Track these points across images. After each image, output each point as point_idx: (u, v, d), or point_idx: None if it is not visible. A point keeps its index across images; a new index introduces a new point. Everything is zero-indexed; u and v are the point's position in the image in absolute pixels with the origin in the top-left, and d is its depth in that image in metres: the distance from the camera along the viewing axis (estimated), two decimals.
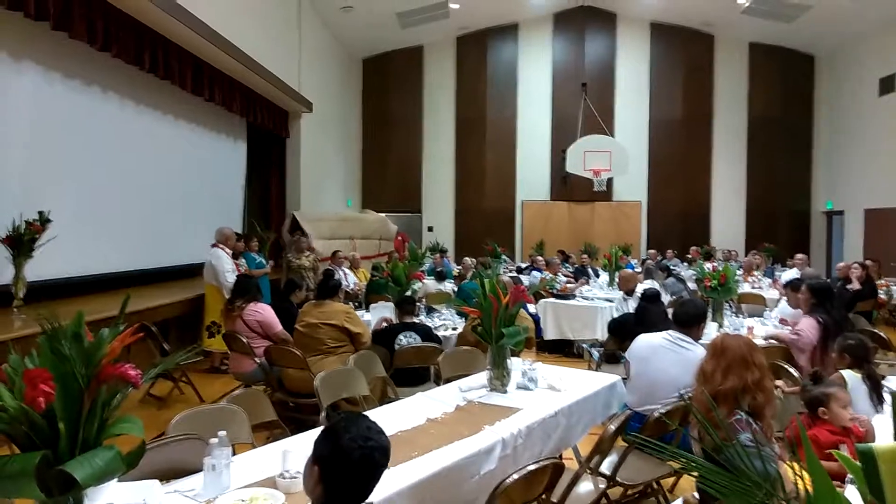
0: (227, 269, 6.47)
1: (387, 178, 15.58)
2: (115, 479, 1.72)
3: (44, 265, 5.25)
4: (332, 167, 13.49)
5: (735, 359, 2.53)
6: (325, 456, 1.59)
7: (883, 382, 3.18)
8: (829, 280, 8.28)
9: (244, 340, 4.79)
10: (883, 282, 9.08)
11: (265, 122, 9.89)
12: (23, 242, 4.87)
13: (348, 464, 1.56)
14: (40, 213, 5.08)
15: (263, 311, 4.96)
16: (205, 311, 6.64)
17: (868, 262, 8.99)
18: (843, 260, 11.65)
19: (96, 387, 1.50)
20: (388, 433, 2.68)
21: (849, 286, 7.85)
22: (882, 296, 8.54)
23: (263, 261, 7.60)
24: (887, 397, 3.00)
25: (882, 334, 5.15)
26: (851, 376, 3.09)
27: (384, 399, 4.04)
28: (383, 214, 13.21)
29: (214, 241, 6.73)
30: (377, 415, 3.06)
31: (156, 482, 2.06)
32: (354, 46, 14.32)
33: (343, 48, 13.87)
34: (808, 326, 4.29)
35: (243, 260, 7.12)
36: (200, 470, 2.17)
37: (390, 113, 15.53)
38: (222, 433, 2.19)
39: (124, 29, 6.18)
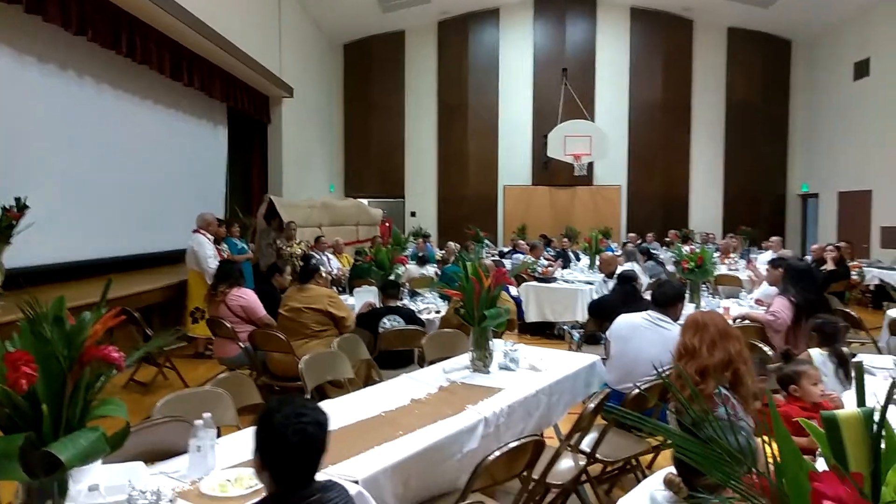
0: (209, 254, 6.44)
1: (369, 164, 15.52)
2: (100, 461, 1.73)
3: (22, 252, 5.18)
4: (314, 153, 13.41)
5: (717, 332, 2.61)
6: (262, 439, 1.62)
7: (852, 361, 3.28)
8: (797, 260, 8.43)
9: (228, 325, 4.80)
10: (855, 263, 9.27)
11: (246, 108, 9.79)
12: (0, 229, 4.80)
13: (283, 442, 1.58)
14: (17, 199, 5.01)
15: (247, 296, 4.96)
16: (188, 296, 6.61)
17: (842, 244, 9.19)
18: (818, 242, 11.89)
19: (79, 369, 1.51)
20: (372, 414, 2.78)
21: (823, 267, 8.01)
22: (855, 277, 8.73)
23: (245, 246, 7.57)
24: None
25: (854, 314, 5.28)
26: (818, 354, 3.18)
27: (369, 381, 4.08)
28: (362, 200, 13.14)
29: (196, 226, 6.68)
30: (362, 396, 3.12)
31: (141, 464, 2.07)
32: (335, 31, 14.17)
33: (324, 33, 13.73)
34: (782, 307, 4.39)
35: (225, 245, 7.08)
36: (186, 452, 2.19)
37: (372, 99, 15.43)
38: (207, 415, 2.21)
39: (100, 12, 6.07)
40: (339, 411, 2.77)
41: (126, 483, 1.83)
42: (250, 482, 2.03)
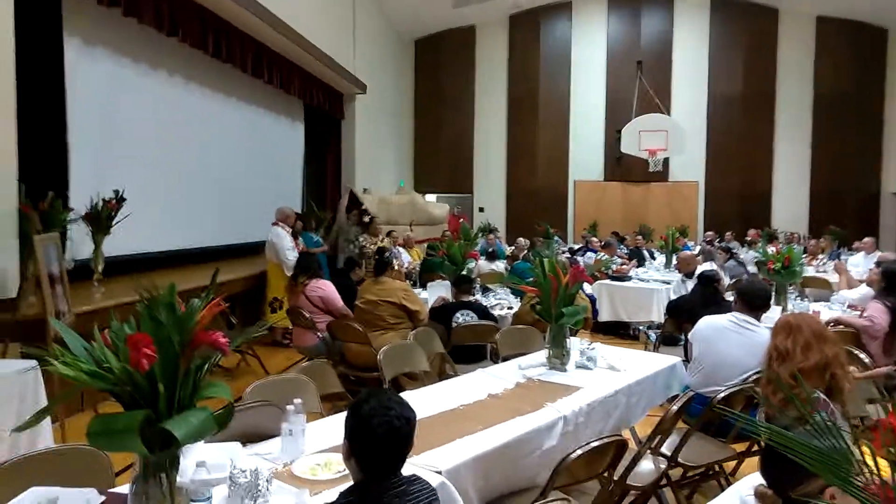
0: (288, 246, 6.66)
1: (439, 159, 15.62)
2: (203, 440, 1.83)
3: (118, 241, 5.52)
4: (386, 148, 13.62)
5: (812, 335, 2.50)
6: (352, 429, 1.68)
7: None
8: None
9: (307, 315, 4.95)
10: None
11: (321, 104, 10.05)
12: (101, 219, 5.13)
13: (370, 433, 1.63)
14: (116, 191, 5.34)
15: (325, 288, 5.11)
16: (267, 287, 6.86)
17: None
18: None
19: (191, 352, 1.60)
20: (450, 407, 2.81)
21: None
22: None
23: (320, 239, 7.79)
24: None
25: None
26: None
27: (443, 375, 4.12)
28: (419, 196, 13.13)
29: (275, 219, 6.92)
30: (440, 389, 3.15)
31: (238, 444, 2.18)
32: (407, 27, 14.32)
33: (396, 29, 13.90)
34: (878, 311, 4.14)
35: (301, 239, 7.30)
36: (277, 435, 2.28)
37: (442, 93, 15.51)
38: (298, 400, 2.29)
39: (188, 14, 6.37)
40: (417, 403, 2.77)
41: (228, 462, 1.93)
42: (338, 467, 2.09)
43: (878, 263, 5.37)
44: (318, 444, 2.33)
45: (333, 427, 2.49)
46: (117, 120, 5.97)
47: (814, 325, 2.51)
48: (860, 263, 8.28)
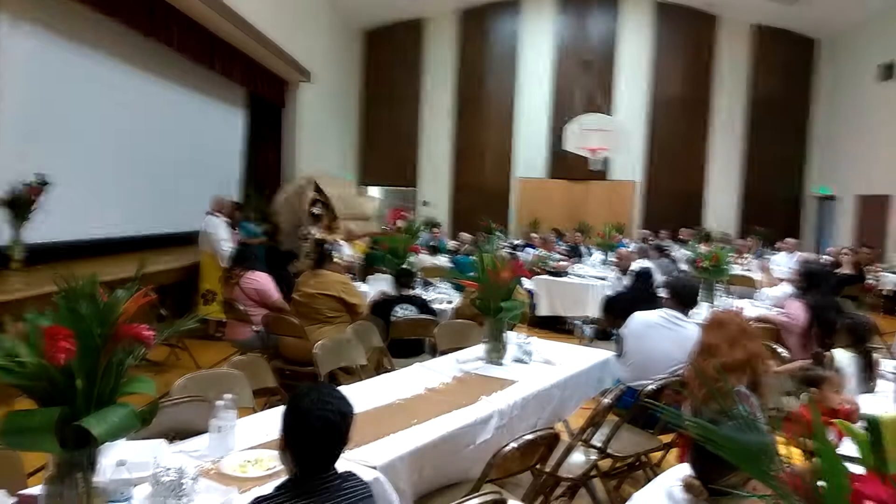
0: (223, 236, 6.49)
1: (385, 151, 15.50)
2: (125, 438, 1.76)
3: (40, 228, 5.24)
4: (331, 138, 13.41)
5: (738, 331, 2.62)
6: (288, 422, 1.68)
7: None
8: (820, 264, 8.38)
9: (242, 308, 4.83)
10: (871, 267, 9.20)
11: (265, 91, 9.80)
12: (20, 205, 4.86)
13: (307, 427, 1.64)
14: (37, 175, 5.06)
15: (261, 280, 5.00)
16: (200, 278, 6.66)
17: (863, 249, 9.14)
18: (833, 245, 11.79)
19: (112, 345, 1.54)
20: (387, 401, 2.80)
21: (838, 270, 7.96)
22: (870, 281, 8.66)
23: (259, 230, 7.61)
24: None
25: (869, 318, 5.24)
26: (844, 355, 3.16)
27: (381, 369, 4.11)
28: (351, 188, 12.96)
29: (210, 208, 6.73)
30: (376, 384, 3.14)
31: (163, 441, 2.11)
32: (356, 17, 14.12)
33: (344, 18, 13.68)
34: (797, 309, 4.38)
35: (240, 229, 7.13)
36: (205, 431, 2.22)
37: (390, 86, 15.38)
38: (229, 396, 2.24)
39: None
40: (354, 398, 2.77)
41: (151, 460, 1.86)
42: (270, 464, 2.06)
43: (800, 263, 5.68)
44: (249, 440, 2.28)
45: (266, 422, 2.44)
46: (46, 101, 5.66)
47: (740, 322, 2.63)
48: (783, 263, 8.72)
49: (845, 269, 7.95)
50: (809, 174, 15.10)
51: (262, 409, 2.88)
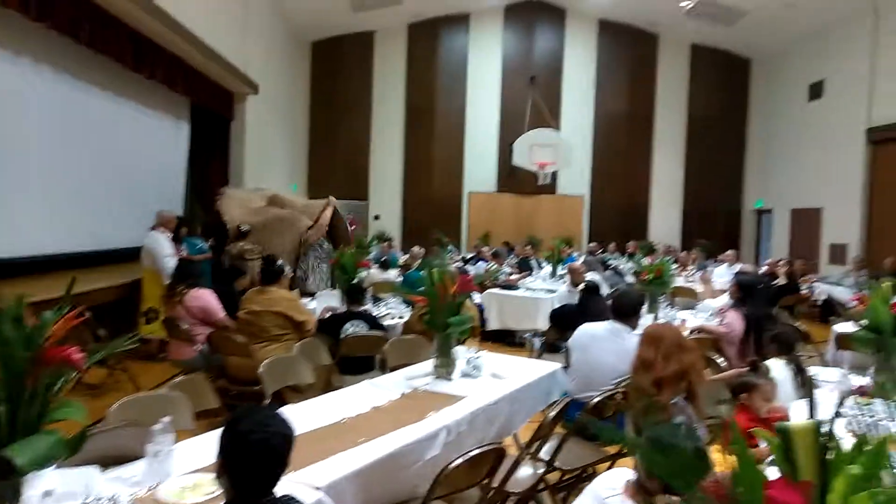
0: (167, 253, 6.31)
1: (334, 165, 15.39)
2: (54, 466, 1.69)
3: None
4: (278, 151, 13.24)
5: (673, 344, 2.70)
6: (225, 446, 1.63)
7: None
8: (756, 275, 8.72)
9: (185, 327, 4.70)
10: (805, 278, 9.63)
11: (209, 103, 9.61)
12: None
13: (245, 450, 1.59)
14: None
15: (206, 297, 4.87)
16: (142, 296, 6.45)
17: (797, 261, 9.58)
18: (771, 256, 12.30)
19: (38, 370, 1.48)
20: (333, 420, 2.77)
21: (775, 282, 8.31)
22: (805, 291, 9.06)
23: (205, 245, 7.42)
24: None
25: (802, 327, 5.48)
26: (778, 364, 3.29)
27: (329, 387, 4.05)
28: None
29: (154, 223, 6.53)
30: (322, 402, 3.09)
31: (96, 469, 2.02)
32: (304, 29, 14.04)
33: (292, 30, 13.59)
34: (734, 319, 4.54)
35: (184, 244, 6.94)
36: (142, 457, 2.15)
37: (339, 98, 15.32)
38: (166, 419, 2.17)
39: None
40: (299, 417, 2.73)
41: (82, 489, 1.78)
42: (208, 489, 2.00)
43: (736, 275, 5.90)
44: (188, 464, 2.21)
45: (207, 446, 2.38)
46: None
47: (674, 335, 2.71)
48: (723, 274, 9.05)
49: (781, 280, 8.30)
50: (747, 188, 15.75)
51: (204, 432, 2.80)
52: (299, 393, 3.79)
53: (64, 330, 1.59)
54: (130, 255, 7.09)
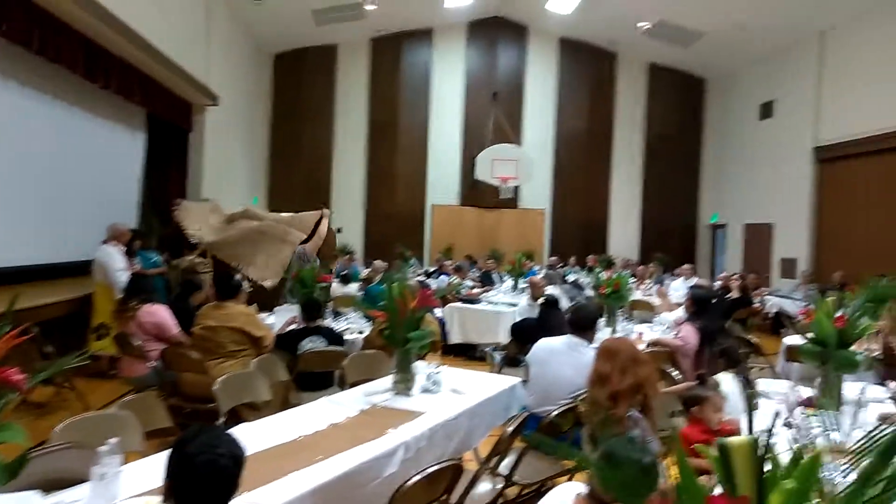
0: (119, 267, 6.15)
1: (296, 178, 15.25)
2: None
3: None
4: (238, 163, 13.06)
5: (628, 358, 2.74)
6: (173, 468, 1.58)
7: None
8: (710, 289, 8.94)
9: (137, 343, 4.57)
10: (757, 291, 9.92)
11: (167, 114, 9.43)
12: None
13: (193, 472, 1.55)
14: None
15: (159, 313, 4.75)
16: (92, 311, 6.25)
17: (750, 275, 9.87)
18: (726, 270, 12.64)
19: None
20: (289, 438, 2.72)
21: (728, 295, 8.53)
22: (757, 304, 9.33)
23: (159, 259, 7.25)
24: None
25: (754, 340, 5.64)
26: (727, 379, 3.38)
27: (286, 404, 3.98)
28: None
29: (106, 237, 6.35)
30: (279, 420, 3.04)
31: (37, 494, 1.94)
32: (266, 40, 13.94)
33: (254, 42, 13.47)
34: (689, 332, 4.65)
35: (138, 258, 6.76)
36: (87, 480, 2.07)
37: (301, 111, 15.22)
38: (113, 441, 2.10)
39: (10, 4, 5.70)
40: (255, 435, 2.71)
41: None
42: None
43: (691, 289, 6.04)
44: (136, 487, 2.14)
45: (156, 467, 2.31)
46: None
47: (630, 349, 2.76)
48: (680, 288, 9.26)
49: (734, 294, 8.52)
50: (703, 204, 16.18)
51: (155, 452, 2.72)
52: (256, 410, 3.72)
53: (5, 349, 1.53)
54: (81, 269, 6.86)
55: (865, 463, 1.01)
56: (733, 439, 1.05)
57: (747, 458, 1.01)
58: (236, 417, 3.64)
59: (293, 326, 5.02)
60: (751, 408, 1.00)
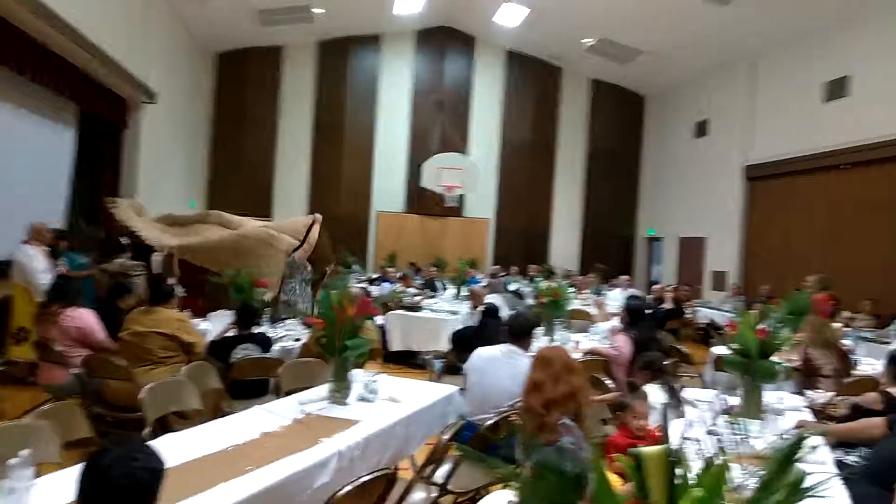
0: (40, 268, 5.83)
1: (237, 179, 14.89)
2: None
3: None
4: (176, 164, 12.65)
5: (562, 367, 2.79)
6: (85, 484, 1.51)
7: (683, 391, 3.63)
8: (645, 301, 9.22)
9: (59, 349, 4.35)
10: (689, 303, 10.29)
11: (100, 110, 9.05)
12: None
13: (107, 487, 1.48)
14: None
15: (84, 317, 4.53)
16: (11, 314, 5.90)
17: (684, 287, 10.25)
18: (661, 282, 13.07)
19: None
20: (219, 448, 2.64)
21: (662, 306, 8.82)
22: (689, 315, 9.68)
23: (86, 261, 6.92)
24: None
25: (684, 350, 5.84)
26: (654, 389, 3.48)
27: (218, 413, 3.86)
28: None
29: (26, 237, 6.03)
30: (209, 429, 2.95)
31: None
32: (209, 39, 13.59)
33: (196, 39, 13.11)
34: (623, 342, 4.77)
35: (64, 260, 6.44)
36: None
37: (244, 112, 14.90)
38: (24, 452, 1.99)
39: None
40: (183, 445, 2.62)
41: None
42: None
43: (626, 300, 6.21)
44: (51, 501, 2.03)
45: (73, 480, 2.20)
46: None
47: (564, 358, 2.81)
48: (617, 298, 9.50)
49: (668, 305, 8.82)
50: (640, 217, 16.70)
51: (74, 464, 2.59)
52: (185, 419, 3.59)
53: None
54: (2, 271, 6.48)
55: (767, 469, 1.06)
56: (646, 448, 1.08)
57: (659, 467, 1.04)
58: (165, 427, 3.51)
59: (230, 333, 4.89)
60: (666, 417, 1.03)
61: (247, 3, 12.04)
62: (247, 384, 4.28)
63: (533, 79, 16.01)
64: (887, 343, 6.44)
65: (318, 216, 7.90)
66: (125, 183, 10.13)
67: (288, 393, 3.78)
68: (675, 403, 3.41)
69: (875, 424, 3.18)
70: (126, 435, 1.75)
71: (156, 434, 3.11)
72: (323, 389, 3.51)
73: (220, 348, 4.49)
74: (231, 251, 6.93)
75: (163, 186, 11.57)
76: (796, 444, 1.04)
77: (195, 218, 8.14)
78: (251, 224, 7.88)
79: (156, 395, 3.38)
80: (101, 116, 9.25)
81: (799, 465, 1.11)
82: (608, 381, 4.19)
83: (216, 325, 5.34)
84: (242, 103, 14.86)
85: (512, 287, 9.91)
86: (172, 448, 2.59)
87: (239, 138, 14.88)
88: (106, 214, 8.41)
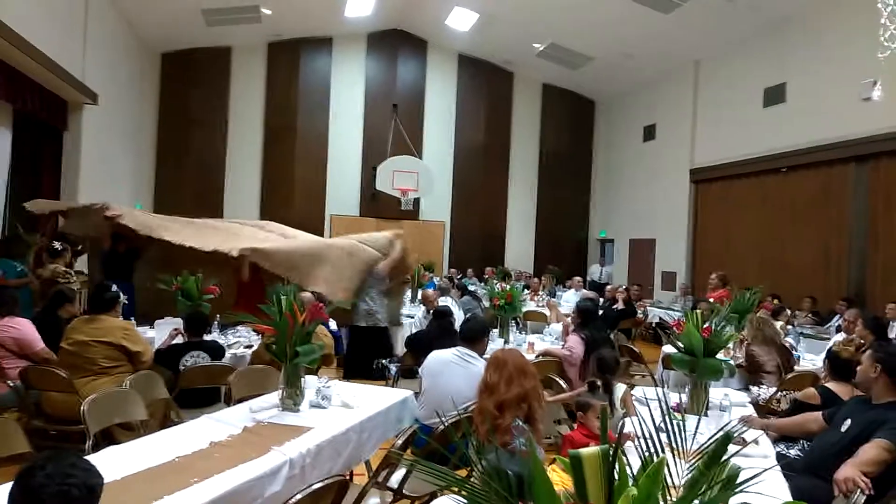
0: None
1: (185, 182, 14.51)
2: None
3: None
4: (121, 166, 12.24)
5: (515, 369, 2.81)
6: (15, 501, 1.44)
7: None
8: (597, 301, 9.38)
9: None
10: (641, 303, 10.53)
11: (37, 111, 8.68)
12: None
13: None
14: None
15: (21, 327, 4.34)
16: None
17: (634, 287, 10.47)
18: (612, 283, 13.33)
19: None
20: (165, 459, 2.56)
21: (615, 306, 8.99)
22: (640, 315, 9.90)
23: (25, 269, 6.63)
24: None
25: (636, 349, 5.97)
26: (619, 385, 3.55)
27: (166, 423, 3.75)
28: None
29: None
30: (155, 440, 2.86)
31: None
32: (153, 38, 13.21)
33: (139, 39, 12.73)
34: (575, 343, 4.85)
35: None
36: None
37: (192, 113, 14.53)
38: None
39: None
40: (127, 457, 2.54)
41: None
42: None
43: (578, 301, 6.31)
44: None
45: (5, 499, 2.10)
46: None
47: (517, 360, 2.84)
48: (570, 299, 9.65)
49: (619, 305, 9.00)
50: (593, 219, 17.01)
51: (8, 481, 2.47)
52: (131, 431, 3.48)
53: None
54: None
55: (697, 466, 1.09)
56: (585, 450, 1.10)
57: (597, 467, 1.06)
58: (110, 439, 3.39)
59: (178, 340, 4.75)
60: (603, 420, 1.06)
61: (190, 2, 11.76)
62: (197, 393, 4.18)
63: (486, 83, 16.14)
64: (827, 339, 6.71)
65: (401, 231, 8.03)
66: (66, 186, 9.76)
67: (239, 401, 3.70)
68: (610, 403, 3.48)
69: (813, 419, 3.32)
70: (61, 449, 1.67)
71: (98, 447, 3.00)
72: (274, 396, 3.45)
73: (169, 356, 4.36)
74: (314, 258, 6.83)
75: (108, 189, 11.16)
76: (724, 443, 1.08)
77: (250, 224, 8.02)
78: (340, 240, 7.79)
79: (99, 407, 3.26)
80: (39, 118, 8.88)
81: (735, 461, 1.15)
82: (561, 382, 4.24)
83: (161, 333, 5.18)
84: (189, 104, 14.49)
85: (471, 289, 9.95)
86: (115, 461, 2.51)
87: (187, 139, 14.52)
88: (41, 219, 8.03)
